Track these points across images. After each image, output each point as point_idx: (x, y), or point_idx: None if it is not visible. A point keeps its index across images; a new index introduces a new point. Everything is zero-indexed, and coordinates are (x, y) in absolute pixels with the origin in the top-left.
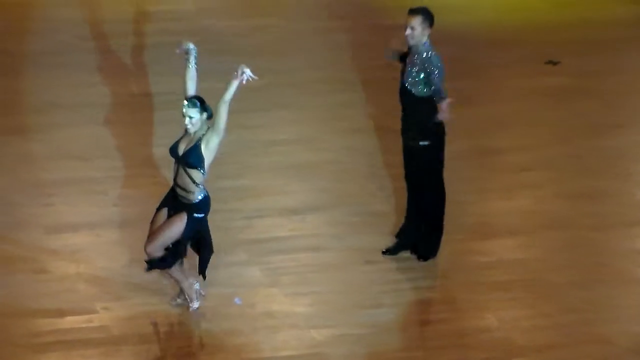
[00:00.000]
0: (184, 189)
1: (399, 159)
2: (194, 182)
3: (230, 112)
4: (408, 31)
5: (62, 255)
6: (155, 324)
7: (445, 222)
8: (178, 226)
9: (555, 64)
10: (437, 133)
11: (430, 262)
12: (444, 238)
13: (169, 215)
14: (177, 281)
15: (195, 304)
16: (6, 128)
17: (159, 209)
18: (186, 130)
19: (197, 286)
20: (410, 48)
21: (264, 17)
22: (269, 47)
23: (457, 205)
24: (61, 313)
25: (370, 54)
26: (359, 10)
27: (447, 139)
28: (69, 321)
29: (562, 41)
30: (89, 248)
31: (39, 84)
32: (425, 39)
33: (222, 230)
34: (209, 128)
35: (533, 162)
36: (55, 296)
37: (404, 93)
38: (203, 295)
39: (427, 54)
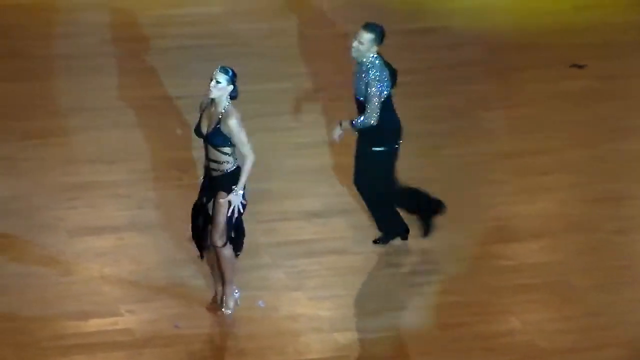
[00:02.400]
0: (216, 162)
1: (421, 161)
2: (224, 153)
3: (254, 116)
4: (355, 44)
5: (86, 258)
6: (178, 327)
7: (466, 225)
8: (226, 205)
9: (581, 67)
10: (391, 140)
11: (452, 265)
12: (464, 242)
13: (207, 205)
14: (223, 282)
15: (230, 310)
16: (30, 132)
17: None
18: (205, 105)
19: (237, 294)
20: (355, 59)
21: (286, 21)
22: (292, 51)
23: (479, 208)
24: (85, 316)
25: (390, 59)
26: (377, 14)
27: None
28: (94, 324)
29: (585, 44)
30: (113, 251)
31: (63, 88)
32: (369, 54)
33: (246, 233)
34: (229, 118)
35: (556, 165)
36: (80, 299)
37: (358, 104)
38: (238, 306)
39: (369, 69)
